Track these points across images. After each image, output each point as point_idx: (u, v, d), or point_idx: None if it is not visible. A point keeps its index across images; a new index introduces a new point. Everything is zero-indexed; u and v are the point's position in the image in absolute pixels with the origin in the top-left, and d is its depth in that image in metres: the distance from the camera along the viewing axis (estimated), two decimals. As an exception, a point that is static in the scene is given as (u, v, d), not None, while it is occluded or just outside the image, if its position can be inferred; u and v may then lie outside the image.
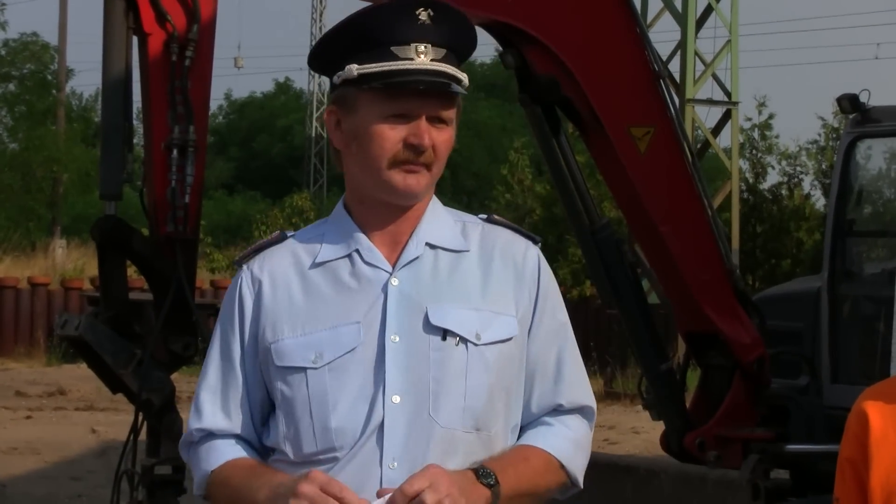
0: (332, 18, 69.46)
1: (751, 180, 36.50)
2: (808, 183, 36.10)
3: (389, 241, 4.65)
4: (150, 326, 12.43)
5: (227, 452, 4.69)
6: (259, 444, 4.72)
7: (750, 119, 37.98)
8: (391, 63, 4.48)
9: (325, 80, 56.86)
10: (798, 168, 37.36)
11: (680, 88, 32.75)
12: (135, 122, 12.77)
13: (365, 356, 4.55)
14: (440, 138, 4.57)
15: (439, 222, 4.71)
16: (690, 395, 14.34)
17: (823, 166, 33.59)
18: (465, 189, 67.90)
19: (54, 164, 57.17)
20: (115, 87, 12.56)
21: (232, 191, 64.30)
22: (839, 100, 15.62)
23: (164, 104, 12.41)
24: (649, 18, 33.32)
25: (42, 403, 27.09)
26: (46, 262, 48.77)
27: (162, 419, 12.37)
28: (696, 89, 34.79)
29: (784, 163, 37.98)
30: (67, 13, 60.00)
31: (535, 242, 4.83)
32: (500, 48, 13.72)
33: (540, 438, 4.76)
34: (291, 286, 4.62)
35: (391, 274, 4.60)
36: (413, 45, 4.50)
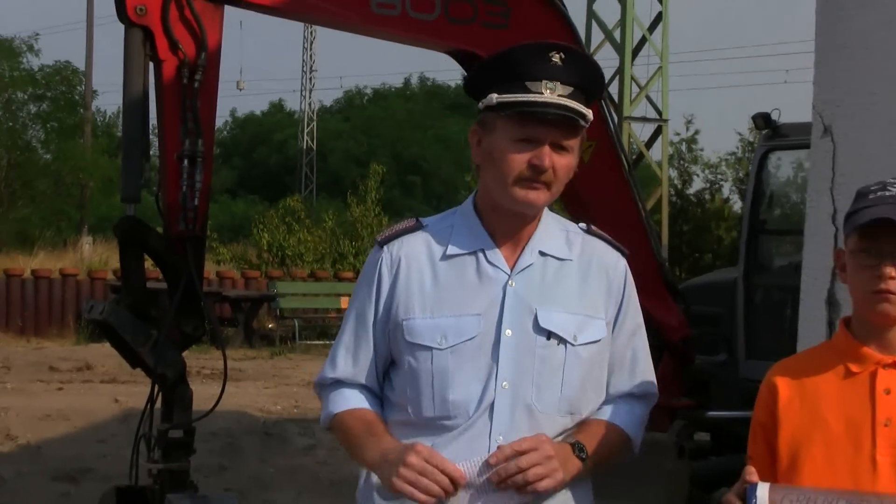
0: (321, 49, 69.47)
1: (678, 186, 36.55)
2: (727, 189, 36.15)
3: (509, 246, 4.75)
4: (164, 311, 12.43)
5: (351, 400, 4.84)
6: (379, 392, 4.85)
7: (678, 134, 38.10)
8: (524, 95, 4.57)
9: (315, 101, 56.52)
10: (719, 176, 37.43)
11: (618, 108, 32.83)
12: (151, 136, 12.76)
13: (482, 344, 4.65)
14: (560, 163, 4.65)
15: (549, 232, 4.82)
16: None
17: (740, 174, 33.60)
18: (434, 193, 68.02)
19: (81, 172, 57.04)
20: (134, 106, 12.56)
21: (235, 195, 64.13)
22: (754, 117, 15.68)
23: (176, 121, 12.41)
24: (592, 47, 33.33)
25: (71, 377, 26.98)
26: (75, 255, 48.61)
27: (175, 390, 12.37)
28: (632, 108, 34.87)
29: (707, 171, 38.07)
30: (93, 42, 59.97)
31: (623, 255, 5.02)
32: (465, 73, 13.69)
33: (617, 417, 4.93)
34: (424, 272, 4.72)
35: (510, 276, 4.71)
36: (544, 81, 4.58)
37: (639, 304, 5.00)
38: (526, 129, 4.58)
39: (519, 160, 4.57)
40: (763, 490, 4.47)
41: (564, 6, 13.79)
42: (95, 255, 47.10)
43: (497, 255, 4.70)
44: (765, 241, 15.06)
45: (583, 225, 4.98)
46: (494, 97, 4.60)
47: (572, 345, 4.69)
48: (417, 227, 4.80)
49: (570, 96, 4.60)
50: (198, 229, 12.41)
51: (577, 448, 4.70)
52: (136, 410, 13.42)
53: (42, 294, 36.75)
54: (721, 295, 15.04)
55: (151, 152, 12.83)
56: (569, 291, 4.75)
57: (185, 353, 12.51)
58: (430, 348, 4.63)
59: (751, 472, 4.53)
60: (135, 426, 12.89)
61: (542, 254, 4.75)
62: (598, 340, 4.77)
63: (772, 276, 14.46)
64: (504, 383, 4.60)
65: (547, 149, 4.58)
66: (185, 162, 12.19)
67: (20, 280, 37.27)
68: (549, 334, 4.66)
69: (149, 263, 12.71)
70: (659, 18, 36.15)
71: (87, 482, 15.92)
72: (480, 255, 4.70)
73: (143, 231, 12.36)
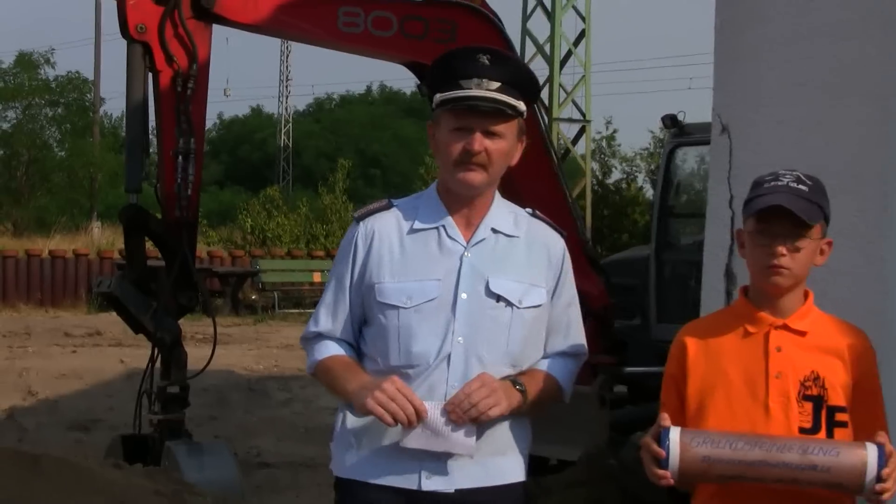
0: (296, 61, 69.36)
1: (600, 177, 36.58)
2: (641, 179, 36.26)
3: (465, 223, 4.81)
4: (162, 285, 12.46)
5: (332, 349, 4.88)
6: (355, 344, 4.89)
7: (599, 133, 38.15)
8: (458, 91, 4.65)
9: (290, 106, 56.26)
10: (634, 168, 37.59)
11: (549, 110, 32.83)
12: (150, 136, 12.77)
13: (441, 305, 4.72)
14: (493, 147, 4.71)
15: (500, 213, 4.87)
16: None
17: (652, 167, 33.77)
18: (392, 184, 67.97)
19: (91, 166, 56.99)
20: (136, 110, 12.60)
21: (222, 186, 63.91)
22: (663, 118, 15.69)
23: (171, 123, 12.44)
24: (526, 59, 33.23)
25: (83, 342, 26.90)
26: (86, 238, 48.50)
27: (172, 352, 12.43)
28: (560, 111, 34.86)
29: (624, 164, 38.21)
30: (101, 55, 59.85)
31: (562, 236, 5.05)
32: (419, 80, 13.72)
33: (552, 369, 5.01)
34: (393, 243, 4.79)
35: (466, 248, 4.78)
36: (474, 79, 4.65)
37: (573, 276, 5.06)
38: (460, 120, 4.65)
39: (456, 147, 4.65)
40: (675, 433, 4.49)
41: (502, 23, 13.82)
42: (104, 237, 47.03)
43: (455, 231, 4.76)
44: (672, 224, 15.07)
45: (529, 210, 5.00)
46: (438, 96, 4.69)
47: (517, 308, 4.75)
48: (388, 206, 4.87)
49: (497, 90, 4.66)
50: (191, 215, 12.67)
51: (517, 383, 4.76)
52: (139, 370, 13.42)
53: (58, 271, 36.77)
54: (636, 269, 15.05)
55: (150, 150, 12.84)
56: (516, 263, 4.80)
57: (180, 321, 12.61)
58: (397, 307, 4.68)
59: (664, 418, 4.55)
60: (138, 383, 12.94)
61: (493, 231, 4.80)
62: (539, 305, 4.82)
63: (678, 253, 14.46)
64: (459, 338, 4.66)
65: (478, 135, 4.64)
66: (180, 158, 12.40)
67: (39, 259, 37.32)
68: (499, 298, 4.72)
69: (149, 245, 12.73)
70: (583, 34, 36.17)
71: (97, 431, 15.88)
72: (441, 230, 4.76)
73: (144, 217, 12.59)
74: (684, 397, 4.73)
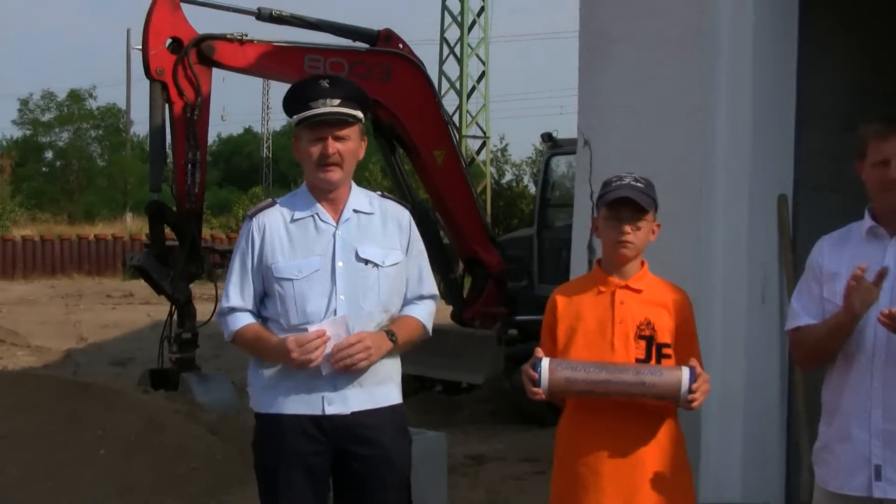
0: (274, 93, 69.07)
1: (496, 179, 36.64)
2: (526, 179, 36.27)
3: (332, 209, 4.72)
4: (177, 259, 12.46)
5: (243, 320, 4.76)
6: (258, 314, 4.77)
7: (496, 146, 38.29)
8: (307, 112, 4.60)
9: (271, 126, 55.51)
10: (521, 172, 37.70)
11: (459, 130, 32.84)
12: (167, 150, 12.73)
13: (324, 273, 4.65)
14: (343, 148, 4.66)
15: (358, 198, 4.79)
16: (466, 291, 14.37)
17: (534, 171, 33.73)
18: (345, 184, 67.47)
19: (125, 173, 56.75)
20: (157, 131, 12.61)
21: (221, 186, 63.45)
22: (542, 135, 15.91)
23: (183, 140, 12.44)
24: (442, 93, 33.31)
25: (120, 301, 26.79)
26: (121, 225, 48.20)
27: (185, 308, 12.46)
28: (467, 130, 35.02)
29: (514, 169, 38.39)
30: (131, 90, 59.41)
31: (407, 209, 4.93)
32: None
33: (414, 312, 4.90)
34: (280, 231, 4.70)
35: (336, 227, 4.70)
36: (319, 100, 4.60)
37: (420, 238, 4.98)
38: (315, 132, 4.62)
39: (314, 153, 4.63)
40: (545, 362, 4.54)
41: (424, 66, 13.87)
42: (134, 225, 46.65)
43: (326, 215, 4.71)
44: (549, 212, 15.13)
45: (379, 192, 4.96)
46: (295, 117, 4.65)
47: (382, 267, 4.71)
48: (273, 204, 4.81)
49: (339, 105, 4.63)
50: (197, 208, 12.77)
51: (390, 334, 4.72)
52: (161, 321, 13.39)
53: (101, 249, 36.71)
54: (523, 244, 15.11)
55: (167, 160, 12.79)
56: (375, 234, 4.76)
57: (190, 285, 12.62)
58: (291, 279, 4.63)
59: (538, 352, 4.62)
60: (160, 331, 12.93)
61: (355, 211, 4.75)
62: (398, 263, 4.78)
63: (554, 233, 14.52)
64: (342, 296, 4.62)
65: (330, 140, 4.61)
66: (189, 166, 12.51)
67: (87, 241, 37.25)
68: (367, 262, 4.68)
69: (167, 229, 12.75)
70: (483, 75, 36.38)
71: (132, 366, 15.83)
72: (316, 216, 4.71)
73: (163, 209, 12.69)
74: (555, 337, 4.75)
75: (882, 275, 4.06)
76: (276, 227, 4.72)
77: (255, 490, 9.39)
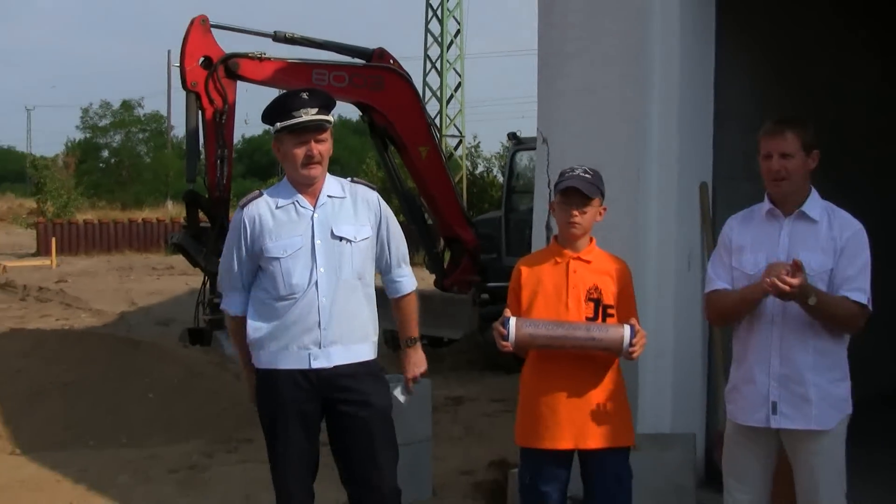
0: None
1: (471, 170, 36.52)
2: (496, 171, 36.13)
3: (310, 196, 4.63)
4: (209, 238, 12.50)
5: (239, 307, 4.77)
6: (249, 288, 4.71)
7: (471, 143, 38.13)
8: (291, 120, 4.52)
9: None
10: (491, 165, 37.51)
11: (439, 130, 32.81)
12: (200, 148, 12.74)
13: (305, 251, 4.57)
14: (322, 148, 4.60)
15: (331, 185, 4.70)
16: (446, 263, 14.37)
17: (502, 164, 33.62)
18: (346, 175, 67.18)
19: (166, 168, 56.69)
20: (192, 134, 12.74)
21: (244, 178, 63.19)
22: (508, 134, 15.97)
23: (213, 140, 12.52)
24: (425, 99, 33.26)
25: (163, 272, 26.79)
26: (164, 210, 48.18)
27: (214, 277, 12.44)
28: (446, 130, 34.95)
29: (485, 162, 38.15)
30: (171, 100, 59.32)
31: (375, 189, 4.85)
32: (361, 112, 13.76)
33: (406, 288, 4.90)
34: (268, 218, 4.61)
35: (313, 211, 4.62)
36: (300, 109, 4.52)
37: (391, 212, 4.90)
38: (298, 137, 4.54)
39: (299, 154, 4.55)
40: (512, 320, 4.54)
41: (411, 78, 13.92)
42: (174, 210, 46.54)
43: (305, 202, 4.62)
44: (514, 197, 15.12)
45: (349, 178, 4.86)
46: (278, 124, 4.55)
47: (354, 242, 4.64)
48: (260, 195, 4.73)
49: (316, 113, 4.56)
50: (226, 195, 12.88)
51: (412, 341, 4.95)
52: (196, 289, 13.42)
53: (148, 230, 36.65)
54: (493, 224, 15.10)
55: (201, 157, 12.81)
56: (347, 214, 4.68)
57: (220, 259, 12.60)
58: (278, 258, 4.56)
59: (506, 312, 4.62)
60: (196, 296, 12.96)
61: (329, 196, 4.67)
62: (368, 238, 4.71)
63: (518, 215, 14.50)
64: (321, 269, 4.56)
65: (311, 143, 4.55)
66: (218, 161, 12.55)
67: (136, 223, 37.18)
68: (341, 238, 4.62)
69: (201, 214, 12.79)
70: (459, 85, 36.40)
71: (173, 325, 15.79)
72: (296, 203, 4.63)
73: (198, 197, 12.87)
74: (520, 300, 4.74)
75: (797, 266, 4.07)
76: (264, 214, 4.64)
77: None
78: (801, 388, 4.27)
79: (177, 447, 8.61)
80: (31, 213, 44.31)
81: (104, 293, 21.41)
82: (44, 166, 47.68)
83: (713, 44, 6.77)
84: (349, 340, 4.63)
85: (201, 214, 12.83)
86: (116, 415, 9.12)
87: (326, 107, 4.64)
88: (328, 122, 4.63)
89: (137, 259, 31.88)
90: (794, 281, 4.04)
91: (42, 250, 33.16)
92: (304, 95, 4.59)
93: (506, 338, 4.55)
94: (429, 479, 6.98)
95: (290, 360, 4.58)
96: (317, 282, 4.57)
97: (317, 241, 4.60)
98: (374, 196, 4.82)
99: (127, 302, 20.16)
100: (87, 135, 61.16)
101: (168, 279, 24.71)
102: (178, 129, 60.23)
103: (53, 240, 32.58)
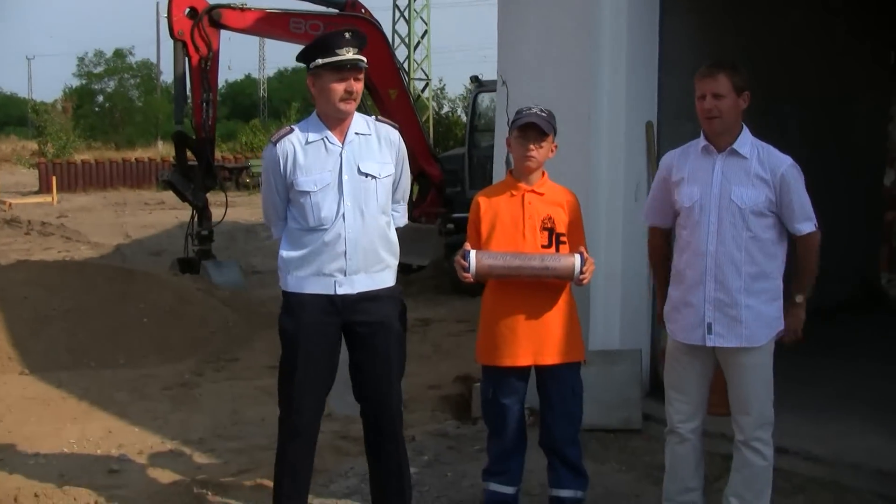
0: (268, 48, 68.30)
1: (437, 110, 36.33)
2: (460, 111, 35.94)
3: (339, 132, 4.50)
4: (196, 174, 12.52)
5: (281, 228, 4.64)
6: (285, 218, 4.59)
7: (436, 86, 37.88)
8: (335, 57, 4.38)
9: (266, 73, 54.41)
10: (456, 105, 37.31)
11: (408, 73, 32.59)
12: (187, 93, 12.67)
13: (333, 185, 4.46)
14: (358, 86, 4.45)
15: (358, 123, 4.56)
16: (415, 196, 14.36)
17: (465, 105, 33.46)
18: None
19: (156, 111, 56.14)
20: (179, 79, 12.64)
21: (229, 119, 62.63)
22: (471, 77, 15.93)
23: (199, 85, 12.45)
24: (395, 45, 32.99)
25: (155, 207, 26.61)
26: (154, 150, 47.77)
27: (203, 212, 12.60)
28: (414, 74, 34.72)
29: (450, 103, 37.91)
30: (160, 48, 58.60)
31: (397, 129, 4.72)
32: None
33: (395, 221, 4.73)
34: (298, 153, 4.48)
35: (342, 147, 4.50)
36: (344, 48, 4.40)
37: (406, 156, 4.78)
38: (339, 74, 4.40)
39: (339, 89, 4.40)
40: (472, 252, 4.57)
41: (381, 26, 13.88)
42: (164, 149, 46.08)
43: (333, 138, 4.50)
44: (476, 135, 15.06)
45: (374, 117, 4.72)
46: (320, 60, 4.40)
47: (379, 178, 4.54)
48: (291, 131, 4.56)
49: (357, 53, 4.44)
50: (211, 135, 12.85)
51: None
52: (185, 222, 13.38)
53: (140, 168, 36.16)
54: (458, 160, 15.06)
55: (187, 101, 12.74)
56: (373, 151, 4.56)
57: (206, 195, 12.68)
58: (308, 192, 4.45)
59: (466, 245, 4.65)
60: (185, 229, 12.92)
61: (357, 134, 4.55)
62: (391, 175, 4.61)
63: (480, 151, 14.45)
64: (348, 202, 4.46)
65: (352, 80, 4.42)
66: (204, 104, 12.55)
67: (129, 163, 36.78)
68: (366, 175, 4.51)
69: (188, 153, 12.75)
70: (426, 33, 36.19)
71: (164, 256, 15.71)
72: (325, 139, 4.50)
73: (185, 137, 12.84)
74: (479, 232, 4.75)
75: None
76: (294, 149, 4.50)
77: (259, 348, 9.46)
78: (734, 311, 4.32)
79: (170, 367, 8.63)
80: (32, 155, 43.69)
81: (101, 227, 21.25)
82: (44, 111, 47.24)
83: (659, -4, 6.76)
84: (372, 269, 4.55)
85: (189, 153, 12.78)
86: (114, 338, 9.13)
87: (362, 47, 4.53)
88: (365, 61, 4.50)
89: (131, 195, 31.61)
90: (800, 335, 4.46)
91: (43, 188, 32.77)
92: (347, 35, 4.46)
93: (467, 269, 4.56)
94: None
95: (317, 286, 4.50)
96: (344, 214, 4.47)
97: (344, 177, 4.49)
98: (396, 135, 4.69)
99: (122, 235, 20.02)
100: (83, 81, 60.47)
101: (159, 213, 24.55)
102: (167, 76, 59.57)
103: (54, 178, 32.18)
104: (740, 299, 4.30)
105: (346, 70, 4.43)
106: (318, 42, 4.49)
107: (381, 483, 4.73)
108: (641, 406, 6.35)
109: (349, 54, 4.43)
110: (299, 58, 4.53)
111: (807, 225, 4.35)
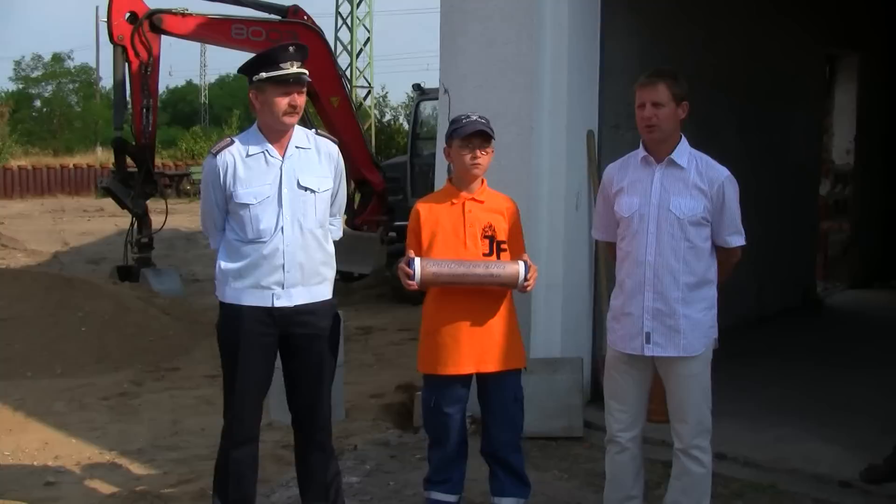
0: (210, 53, 67.73)
1: (379, 118, 36.31)
2: (402, 119, 35.94)
3: (279, 146, 4.50)
4: (135, 182, 12.44)
5: (218, 240, 4.61)
6: (223, 229, 4.56)
7: (379, 94, 37.88)
8: (279, 71, 4.39)
9: (208, 79, 53.88)
10: (398, 113, 37.32)
11: (350, 81, 32.54)
12: (127, 98, 12.57)
13: (273, 199, 4.45)
14: (301, 100, 4.46)
15: (299, 136, 4.56)
16: (357, 204, 14.34)
17: (407, 113, 33.50)
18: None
19: (96, 116, 55.57)
20: (119, 84, 12.57)
21: (169, 126, 61.99)
22: (413, 85, 15.84)
23: (139, 91, 12.40)
24: (337, 53, 32.93)
25: (94, 214, 26.26)
26: (94, 156, 47.14)
27: (142, 219, 12.55)
28: (356, 82, 34.67)
29: (392, 111, 37.95)
30: (100, 53, 58.03)
31: (336, 143, 4.74)
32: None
33: (335, 235, 4.74)
34: (238, 166, 4.46)
35: (282, 161, 4.49)
36: (288, 62, 4.40)
37: (348, 166, 4.83)
38: (283, 88, 4.40)
39: (283, 103, 4.40)
40: (417, 260, 4.55)
41: (323, 33, 13.82)
42: (103, 156, 45.42)
43: (274, 152, 4.50)
44: (419, 143, 15.03)
45: (314, 130, 4.74)
46: (264, 74, 4.40)
47: (317, 192, 4.55)
48: (231, 143, 4.55)
49: (300, 67, 4.45)
50: (151, 142, 12.72)
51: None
52: (124, 229, 13.25)
53: (79, 175, 35.83)
54: (400, 168, 15.02)
55: (127, 106, 12.64)
56: (313, 165, 4.58)
57: (146, 202, 12.65)
58: (248, 204, 4.44)
59: (410, 252, 4.65)
60: (125, 237, 12.84)
61: (297, 147, 4.55)
62: (329, 189, 4.61)
63: (422, 159, 14.42)
64: (287, 216, 4.46)
65: (295, 94, 4.42)
66: (144, 110, 12.50)
67: (68, 169, 36.38)
68: (306, 189, 4.51)
69: (128, 160, 12.65)
70: (368, 40, 36.16)
71: (103, 264, 15.57)
72: (266, 152, 4.49)
73: (124, 144, 12.75)
74: (420, 240, 4.74)
75: None
76: (234, 161, 4.49)
77: (199, 357, 9.40)
78: (672, 320, 4.34)
79: (108, 376, 8.53)
80: (-34, 160, 43.20)
81: (38, 234, 20.97)
82: (-22, 116, 46.61)
83: (599, 3, 6.81)
84: (310, 282, 4.55)
85: (129, 160, 12.68)
86: (51, 347, 9.00)
87: (304, 60, 4.54)
88: (307, 75, 4.52)
89: (69, 202, 31.21)
90: None
91: (-22, 194, 32.41)
92: (291, 49, 4.47)
93: (412, 277, 4.55)
94: (341, 403, 7.00)
95: (255, 298, 4.49)
96: (283, 228, 4.47)
97: (284, 190, 4.49)
98: (335, 150, 4.71)
99: (60, 242, 19.78)
100: (20, 86, 59.83)
101: (98, 221, 24.26)
102: (106, 81, 58.96)
103: (-11, 184, 31.90)
104: (678, 309, 4.33)
105: (289, 84, 4.43)
106: (262, 56, 4.49)
107: (312, 493, 4.75)
108: (583, 414, 6.38)
109: (293, 68, 4.44)
110: (242, 70, 4.52)
111: (736, 238, 4.40)
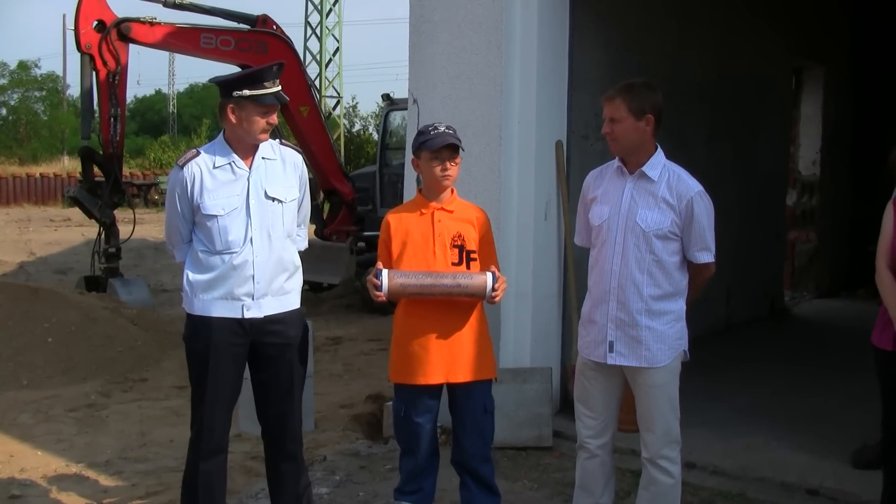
0: (178, 62, 67.49)
1: (349, 128, 36.32)
2: (371, 129, 35.95)
3: (246, 158, 4.51)
4: (103, 191, 12.35)
5: (184, 252, 4.61)
6: (189, 240, 4.56)
7: (348, 104, 37.92)
8: (263, 90, 4.40)
9: (176, 89, 53.89)
10: (367, 123, 37.33)
11: (319, 91, 32.52)
12: (95, 107, 12.52)
13: (241, 210, 4.46)
14: (275, 118, 4.51)
15: (265, 147, 4.56)
16: (326, 214, 14.34)
17: (377, 123, 33.46)
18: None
19: (63, 125, 55.28)
20: (86, 93, 12.47)
21: (137, 135, 61.66)
22: (382, 95, 15.79)
23: (107, 100, 12.33)
24: (306, 63, 32.92)
25: (60, 224, 26.09)
26: (61, 165, 46.89)
27: (110, 229, 12.48)
28: (325, 92, 34.64)
29: (362, 121, 38.00)
30: (66, 61, 57.70)
31: (300, 153, 4.76)
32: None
33: (301, 245, 4.75)
34: (205, 177, 4.46)
35: (249, 172, 4.50)
36: (269, 81, 4.43)
37: (307, 179, 4.81)
38: (263, 107, 4.42)
39: (262, 122, 4.43)
40: (385, 272, 4.54)
41: (292, 43, 13.78)
42: (70, 165, 45.24)
43: (241, 163, 4.50)
44: (388, 153, 15.07)
45: (278, 140, 4.72)
46: (246, 92, 4.41)
47: (284, 202, 4.56)
48: (197, 154, 4.55)
49: (277, 85, 4.46)
50: (119, 151, 12.69)
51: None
52: (92, 239, 13.18)
53: (45, 184, 35.61)
54: (369, 178, 15.05)
55: (95, 115, 12.59)
56: (279, 176, 4.58)
57: (114, 211, 12.57)
58: (216, 216, 4.44)
59: (379, 264, 4.62)
60: (92, 247, 12.73)
61: (263, 158, 4.55)
62: (296, 199, 4.63)
63: (391, 169, 14.49)
64: (256, 226, 4.47)
65: (273, 114, 4.47)
66: (112, 119, 12.47)
67: (34, 178, 36.12)
68: (273, 199, 4.52)
69: (95, 169, 12.59)
70: (337, 50, 36.15)
71: (70, 274, 15.48)
72: (233, 163, 4.49)
73: (92, 153, 12.68)
74: (390, 251, 4.73)
75: None
76: (201, 173, 4.48)
77: (167, 368, 9.35)
78: (634, 331, 4.34)
79: (75, 388, 8.48)
80: (-69, 169, 42.83)
81: (4, 244, 20.80)
82: (-57, 124, 46.33)
83: (568, 14, 6.85)
84: (279, 292, 4.57)
85: (96, 169, 12.61)
86: (17, 358, 8.93)
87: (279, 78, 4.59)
88: (286, 98, 4.55)
89: (35, 212, 31.00)
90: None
91: (-57, 204, 32.18)
92: (275, 69, 4.50)
93: (379, 288, 4.55)
94: (311, 413, 6.98)
95: (225, 309, 4.49)
96: (251, 239, 4.48)
97: (252, 201, 4.49)
98: (299, 159, 4.73)
99: (26, 252, 19.62)
100: (-15, 94, 59.49)
101: (65, 230, 24.10)
102: (74, 89, 58.67)
103: (-46, 194, 31.69)
104: (640, 320, 4.33)
105: (269, 104, 4.47)
106: (248, 75, 4.50)
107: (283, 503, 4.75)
108: (552, 423, 6.40)
109: (274, 87, 4.47)
110: (223, 84, 4.53)
111: (705, 255, 4.39)
